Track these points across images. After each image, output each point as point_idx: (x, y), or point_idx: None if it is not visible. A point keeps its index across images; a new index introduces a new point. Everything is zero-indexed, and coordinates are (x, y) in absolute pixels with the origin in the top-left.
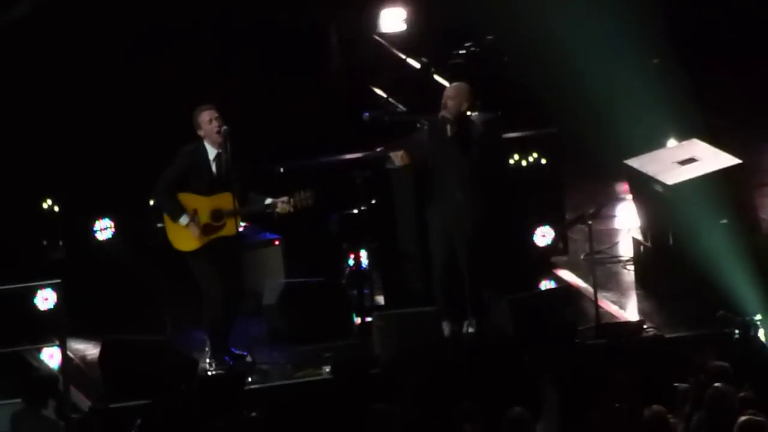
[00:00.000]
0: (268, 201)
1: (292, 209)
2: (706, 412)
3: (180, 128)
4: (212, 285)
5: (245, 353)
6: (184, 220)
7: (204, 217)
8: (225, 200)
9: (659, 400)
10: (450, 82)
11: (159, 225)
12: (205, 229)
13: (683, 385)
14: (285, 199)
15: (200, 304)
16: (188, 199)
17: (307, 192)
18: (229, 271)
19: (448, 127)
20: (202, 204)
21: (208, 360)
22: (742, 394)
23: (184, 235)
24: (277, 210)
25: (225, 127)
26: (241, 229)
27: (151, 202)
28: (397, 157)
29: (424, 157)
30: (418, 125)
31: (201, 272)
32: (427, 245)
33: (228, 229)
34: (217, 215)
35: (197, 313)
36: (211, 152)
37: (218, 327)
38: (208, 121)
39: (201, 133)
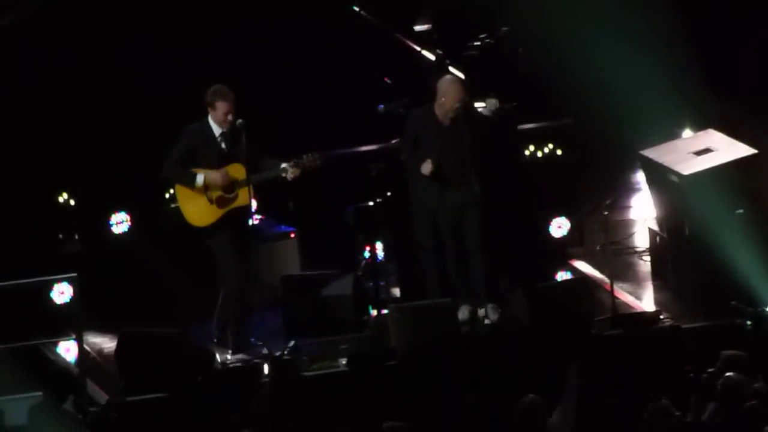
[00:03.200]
0: (283, 165)
1: (299, 173)
2: (719, 402)
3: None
4: (230, 261)
5: (260, 343)
6: (200, 179)
7: (216, 190)
8: (235, 171)
9: (674, 391)
10: (465, 74)
11: (172, 205)
12: (219, 201)
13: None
14: (292, 162)
15: (216, 295)
16: (196, 171)
17: (315, 154)
18: (243, 246)
19: (448, 119)
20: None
21: (230, 349)
22: (756, 385)
23: (199, 211)
24: (288, 174)
25: (240, 120)
26: (256, 222)
27: (167, 196)
28: (428, 169)
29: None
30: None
31: (218, 248)
32: (442, 235)
33: (241, 199)
34: (229, 186)
35: (214, 304)
36: (216, 130)
37: (238, 309)
38: (224, 113)
39: (211, 114)
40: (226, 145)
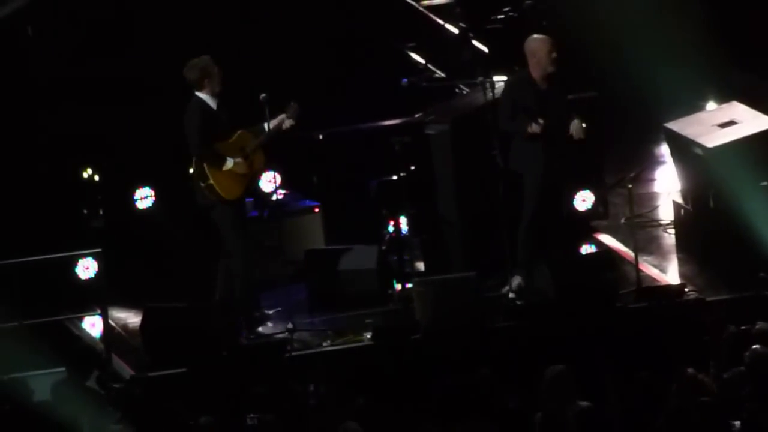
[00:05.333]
0: (267, 127)
1: (294, 122)
2: (747, 372)
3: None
4: (240, 235)
5: (271, 312)
6: (229, 162)
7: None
8: (244, 138)
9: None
10: (488, 48)
11: (203, 183)
12: (243, 173)
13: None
14: (283, 116)
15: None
16: (217, 149)
17: (294, 104)
18: (245, 224)
19: (545, 81)
20: (229, 149)
21: (246, 326)
22: None
23: (229, 184)
24: (284, 128)
25: (263, 95)
26: (280, 196)
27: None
28: (537, 127)
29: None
30: (457, 90)
31: (233, 225)
32: (467, 210)
33: (258, 163)
34: (245, 155)
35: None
36: (211, 101)
37: (251, 283)
38: (219, 76)
39: (206, 87)
40: (225, 115)
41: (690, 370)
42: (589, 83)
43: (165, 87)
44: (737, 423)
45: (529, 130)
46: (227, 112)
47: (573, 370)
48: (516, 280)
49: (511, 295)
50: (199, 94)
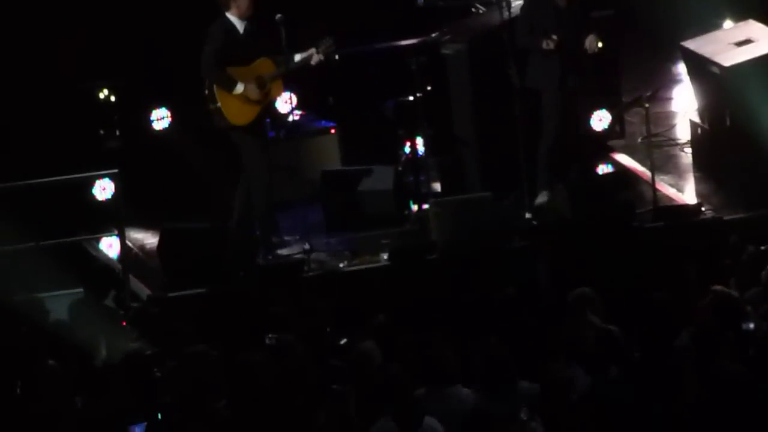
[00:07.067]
0: (297, 57)
1: (323, 58)
2: (765, 291)
3: None
4: (261, 163)
5: (297, 237)
6: (239, 87)
7: (253, 93)
8: (264, 66)
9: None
10: None
11: (212, 106)
12: (256, 99)
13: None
14: (313, 50)
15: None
16: (231, 73)
17: (329, 39)
18: (267, 150)
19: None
20: (245, 74)
21: (265, 247)
22: None
23: (239, 109)
24: (312, 63)
25: (279, 15)
26: (296, 117)
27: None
28: (551, 43)
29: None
30: (473, 9)
31: (251, 149)
32: (483, 130)
33: (276, 92)
34: (261, 82)
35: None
36: (239, 24)
37: (269, 207)
38: (248, 1)
39: (233, 8)
40: (251, 40)
41: (718, 287)
42: (606, 2)
43: (182, 6)
44: (751, 325)
45: (543, 46)
46: (254, 39)
47: (599, 292)
48: (543, 197)
49: (527, 215)
50: (227, 15)
